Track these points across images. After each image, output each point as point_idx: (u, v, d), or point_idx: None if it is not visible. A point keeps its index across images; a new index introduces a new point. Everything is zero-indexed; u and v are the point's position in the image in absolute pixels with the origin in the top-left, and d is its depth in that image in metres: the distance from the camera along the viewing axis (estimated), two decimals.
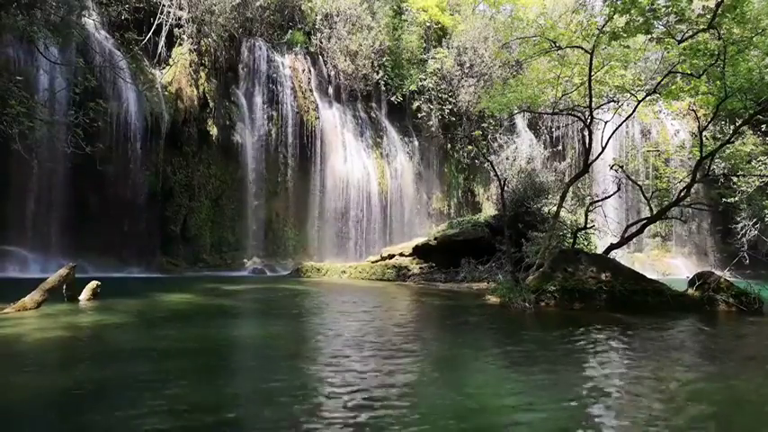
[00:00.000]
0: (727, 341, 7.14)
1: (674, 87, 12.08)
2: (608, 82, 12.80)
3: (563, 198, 12.52)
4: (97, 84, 15.35)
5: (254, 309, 9.88)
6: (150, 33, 18.72)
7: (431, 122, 26.03)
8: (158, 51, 19.29)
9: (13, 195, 15.35)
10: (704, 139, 12.05)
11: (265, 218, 21.41)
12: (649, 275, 11.20)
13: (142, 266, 16.97)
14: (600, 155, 13.56)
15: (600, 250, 12.91)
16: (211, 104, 20.11)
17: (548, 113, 17.77)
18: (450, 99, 26.10)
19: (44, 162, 14.35)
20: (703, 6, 10.32)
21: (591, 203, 14.01)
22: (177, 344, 5.87)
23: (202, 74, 20.05)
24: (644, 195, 13.17)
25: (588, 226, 13.01)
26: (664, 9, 10.15)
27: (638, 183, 14.38)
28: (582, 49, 11.69)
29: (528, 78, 14.50)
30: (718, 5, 9.52)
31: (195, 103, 19.48)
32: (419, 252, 17.39)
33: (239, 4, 20.82)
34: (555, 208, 13.04)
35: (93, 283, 9.03)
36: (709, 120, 13.22)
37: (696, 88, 11.68)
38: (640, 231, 13.20)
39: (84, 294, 8.81)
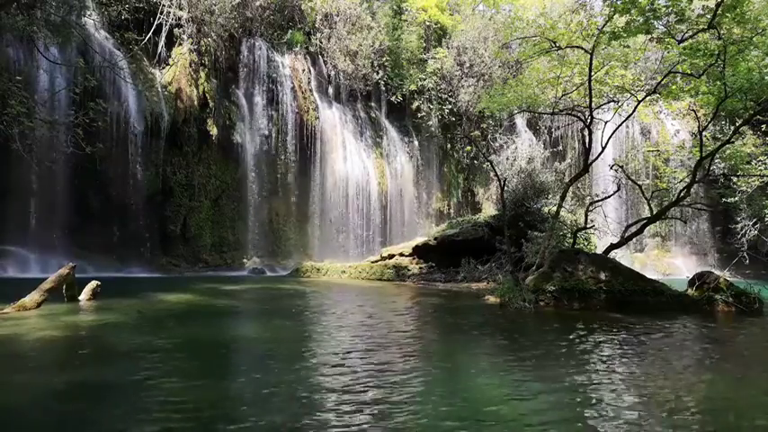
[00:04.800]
0: (726, 341, 7.14)
1: (674, 87, 12.07)
2: (608, 82, 12.79)
3: (563, 198, 12.52)
4: (97, 84, 15.36)
5: (254, 309, 9.88)
6: (150, 33, 18.73)
7: (431, 122, 26.04)
8: (158, 51, 19.30)
9: (13, 195, 15.35)
10: (704, 139, 12.04)
11: (265, 218, 21.42)
12: (649, 275, 11.19)
13: (142, 266, 16.97)
14: (600, 155, 13.56)
15: (600, 250, 12.90)
16: (211, 104, 20.11)
17: (548, 113, 17.75)
18: (450, 99, 26.10)
19: (44, 162, 14.36)
20: (703, 6, 10.32)
21: (591, 203, 14.00)
22: (177, 344, 5.87)
23: (202, 74, 20.05)
24: (644, 195, 13.17)
25: (588, 226, 13.01)
26: (664, 9, 10.14)
27: (638, 183, 14.36)
28: (582, 49, 11.68)
29: (528, 78, 14.47)
30: (718, 5, 9.52)
31: (195, 103, 19.48)
32: (419, 252, 17.40)
33: (239, 4, 20.82)
34: (555, 208, 13.03)
35: (93, 283, 9.03)
36: (709, 120, 13.21)
37: (696, 88, 11.68)
38: (640, 231, 13.19)
39: (84, 294, 8.81)
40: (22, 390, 4.01)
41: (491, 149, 24.62)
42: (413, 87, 25.59)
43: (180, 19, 19.42)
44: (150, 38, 18.79)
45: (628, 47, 11.62)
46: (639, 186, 13.76)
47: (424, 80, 25.84)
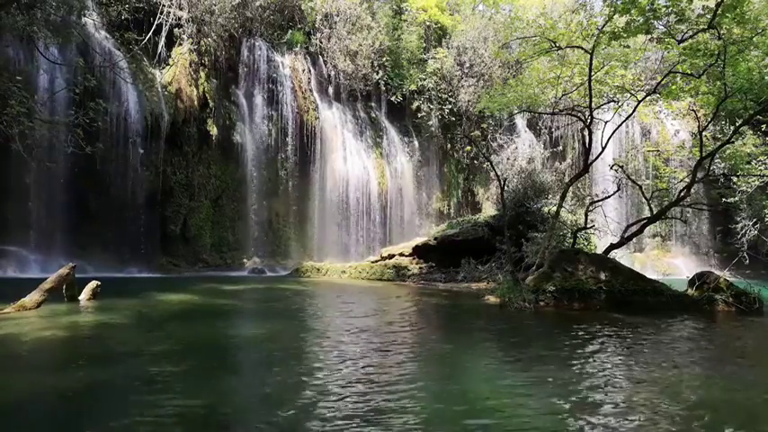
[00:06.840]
0: (726, 341, 7.14)
1: (674, 87, 12.07)
2: (608, 82, 12.79)
3: (563, 198, 12.52)
4: (97, 84, 15.35)
5: (254, 309, 9.88)
6: (150, 33, 18.72)
7: (431, 122, 26.02)
8: (158, 51, 19.29)
9: (13, 195, 15.35)
10: (704, 139, 12.04)
11: (265, 218, 21.41)
12: (649, 275, 11.20)
13: (142, 266, 16.96)
14: (600, 155, 13.56)
15: (600, 250, 12.90)
16: (211, 104, 20.11)
17: (548, 113, 17.77)
18: (450, 99, 26.08)
19: (44, 162, 14.35)
20: (703, 6, 10.32)
21: (591, 203, 14.00)
22: (176, 344, 5.87)
23: (202, 74, 20.05)
24: (644, 195, 13.17)
25: (588, 226, 13.01)
26: (664, 9, 10.15)
27: (638, 183, 14.36)
28: (582, 49, 11.69)
29: (528, 78, 14.47)
30: (718, 5, 9.52)
31: (195, 103, 19.47)
32: (419, 252, 17.40)
33: (239, 4, 20.82)
34: (555, 208, 13.03)
35: (93, 283, 9.03)
36: (709, 120, 13.21)
37: (696, 88, 11.69)
38: (640, 231, 13.20)
39: (84, 294, 8.81)
40: (22, 390, 4.01)
41: (491, 149, 24.62)
42: (413, 87, 25.58)
43: (180, 19, 19.42)
44: (150, 38, 18.78)
45: (628, 47, 11.62)
46: (639, 186, 13.76)
47: (424, 80, 25.83)
